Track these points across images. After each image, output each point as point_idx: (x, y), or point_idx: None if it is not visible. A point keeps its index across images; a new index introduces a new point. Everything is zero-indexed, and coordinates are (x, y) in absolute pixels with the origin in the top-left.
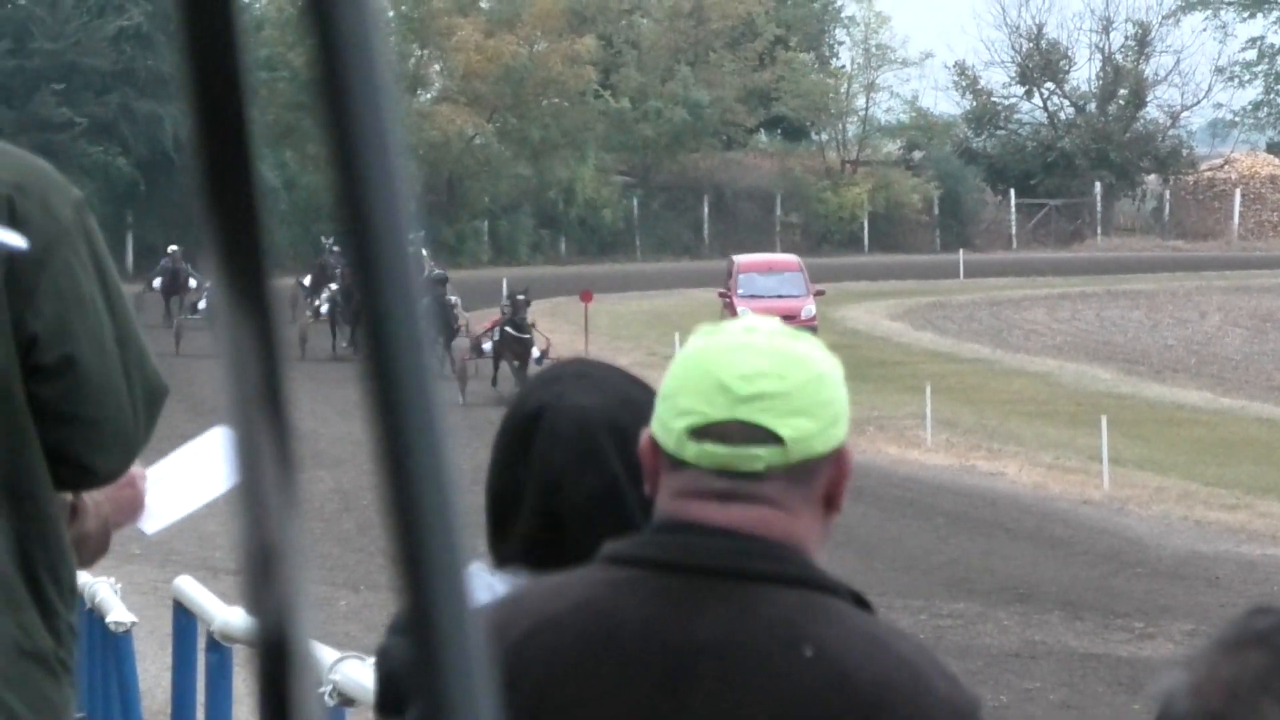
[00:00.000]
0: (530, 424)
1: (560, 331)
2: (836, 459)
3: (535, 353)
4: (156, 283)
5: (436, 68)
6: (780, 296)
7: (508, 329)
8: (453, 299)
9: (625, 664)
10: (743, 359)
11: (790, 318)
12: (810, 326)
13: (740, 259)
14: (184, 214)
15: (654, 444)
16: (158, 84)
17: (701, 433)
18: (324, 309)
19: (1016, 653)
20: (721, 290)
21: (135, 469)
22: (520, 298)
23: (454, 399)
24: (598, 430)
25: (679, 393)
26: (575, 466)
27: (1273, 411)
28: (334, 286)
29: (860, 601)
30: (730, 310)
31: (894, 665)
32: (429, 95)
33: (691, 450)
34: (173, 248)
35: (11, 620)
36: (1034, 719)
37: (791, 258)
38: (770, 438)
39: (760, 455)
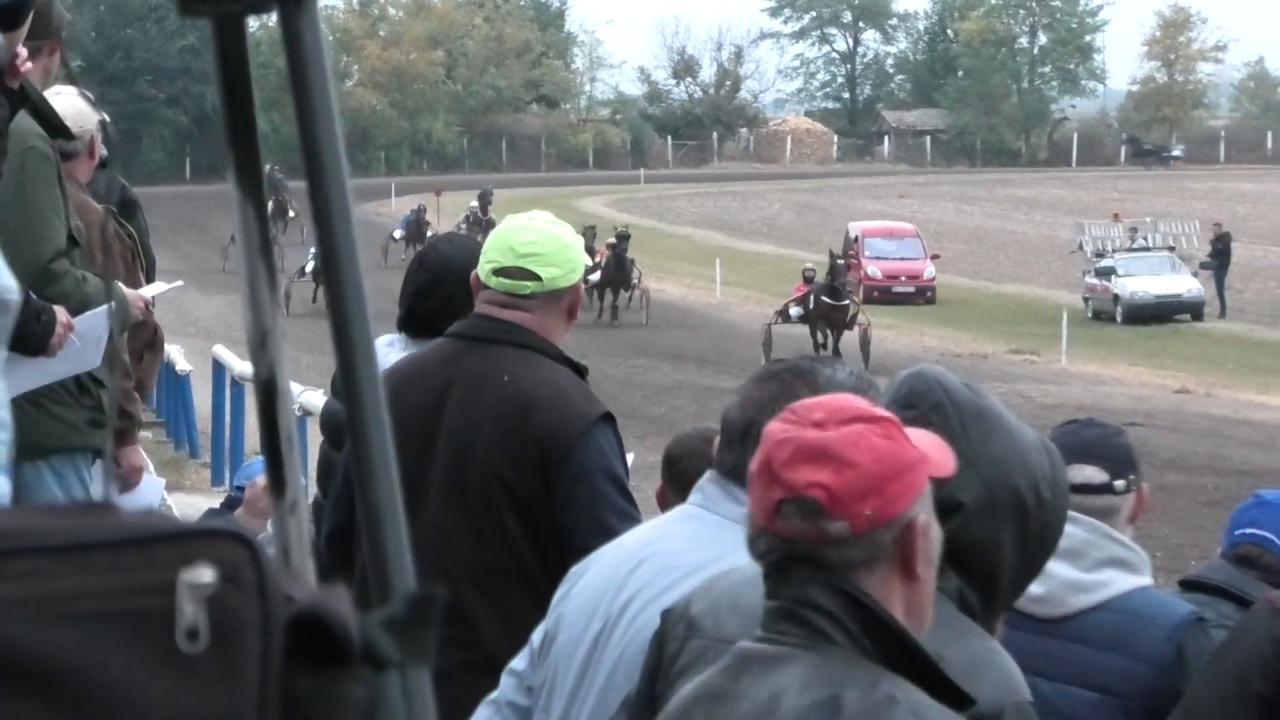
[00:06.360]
0: (419, 263)
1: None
2: (574, 290)
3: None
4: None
5: (355, 67)
6: (903, 259)
7: (823, 297)
8: (630, 257)
9: (423, 388)
10: (523, 233)
11: (914, 277)
12: (930, 287)
13: (859, 226)
14: (218, 147)
15: (477, 277)
16: (204, 76)
17: (498, 272)
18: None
19: (669, 387)
20: (850, 253)
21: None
22: (840, 263)
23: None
24: (454, 268)
25: (490, 250)
26: (437, 285)
27: (807, 256)
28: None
29: (572, 365)
30: (858, 269)
31: (551, 388)
32: (351, 83)
33: (493, 281)
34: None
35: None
36: (678, 424)
37: (908, 225)
38: (534, 277)
39: (528, 286)
